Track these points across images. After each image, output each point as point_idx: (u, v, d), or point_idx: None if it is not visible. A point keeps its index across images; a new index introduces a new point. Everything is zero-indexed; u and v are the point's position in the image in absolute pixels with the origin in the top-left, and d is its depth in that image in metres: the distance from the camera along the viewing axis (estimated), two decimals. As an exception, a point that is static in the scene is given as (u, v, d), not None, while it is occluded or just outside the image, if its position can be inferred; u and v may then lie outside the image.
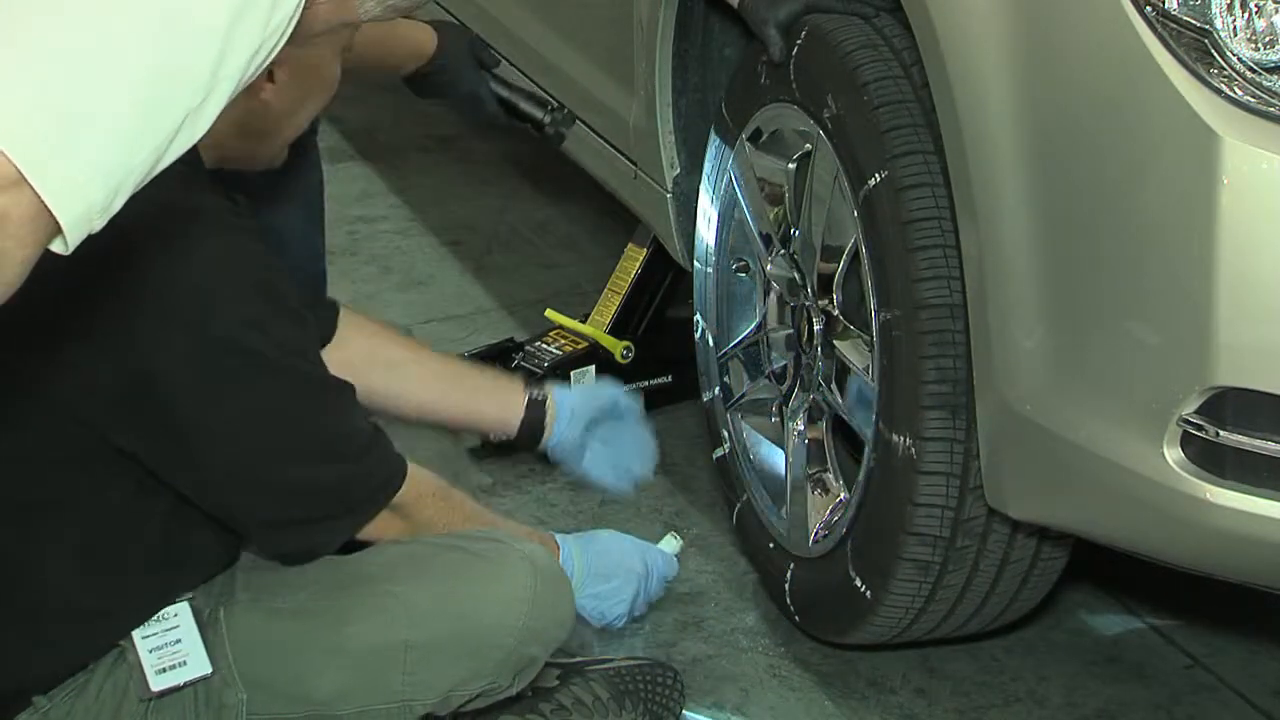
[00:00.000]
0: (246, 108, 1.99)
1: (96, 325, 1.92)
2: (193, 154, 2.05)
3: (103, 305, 1.91)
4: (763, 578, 2.69)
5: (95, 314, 1.92)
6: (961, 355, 2.19)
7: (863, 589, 2.37)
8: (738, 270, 2.75)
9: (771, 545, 2.63)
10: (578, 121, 3.01)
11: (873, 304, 2.29)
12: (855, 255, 2.35)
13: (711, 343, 2.78)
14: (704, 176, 2.75)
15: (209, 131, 2.05)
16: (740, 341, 2.74)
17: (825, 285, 2.47)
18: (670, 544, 2.61)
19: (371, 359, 2.43)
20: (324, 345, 2.32)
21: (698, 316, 2.81)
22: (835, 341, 2.47)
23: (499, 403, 2.58)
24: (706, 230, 2.77)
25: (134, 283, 1.91)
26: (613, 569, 2.47)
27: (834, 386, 2.49)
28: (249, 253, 2.01)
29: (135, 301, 1.91)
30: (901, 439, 2.25)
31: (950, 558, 2.30)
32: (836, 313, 2.45)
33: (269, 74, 2.03)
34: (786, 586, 2.57)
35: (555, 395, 2.61)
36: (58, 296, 1.82)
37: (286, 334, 2.02)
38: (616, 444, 2.67)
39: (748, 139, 2.60)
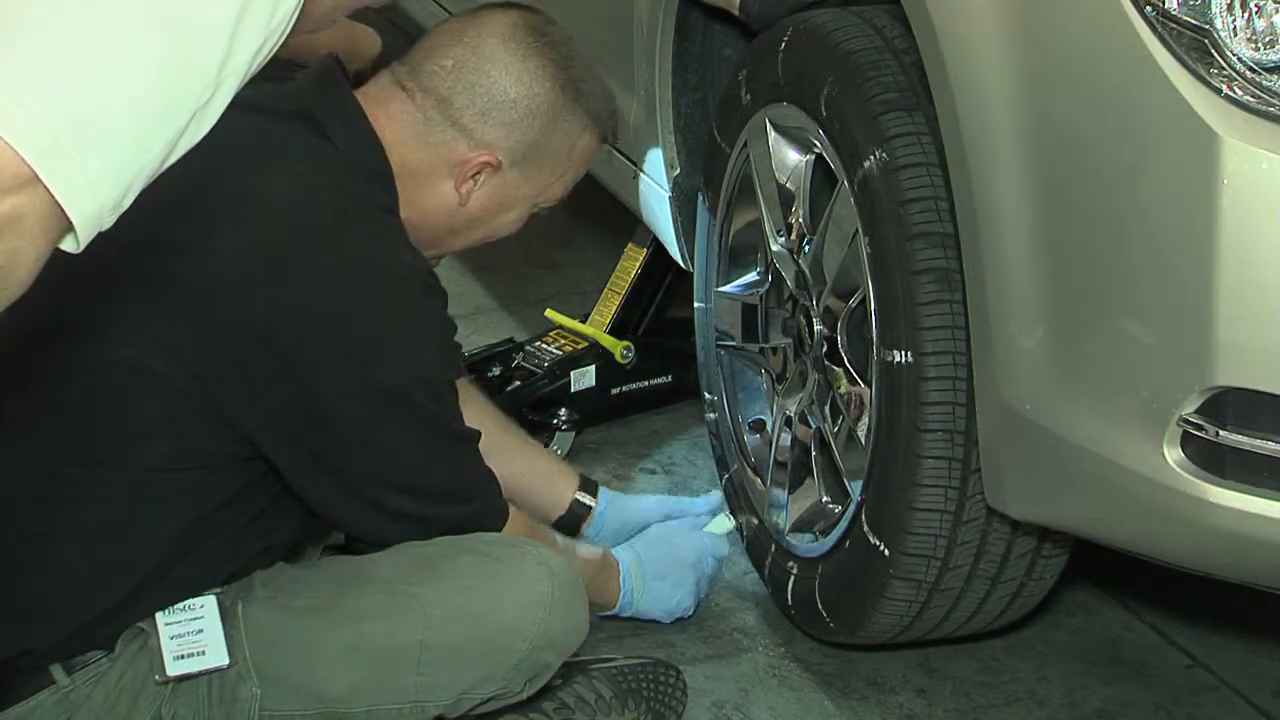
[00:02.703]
0: (449, 195, 2.20)
1: (285, 350, 2.03)
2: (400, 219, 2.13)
3: (299, 335, 2.03)
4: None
5: (285, 341, 2.03)
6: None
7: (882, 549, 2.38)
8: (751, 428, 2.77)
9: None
10: None
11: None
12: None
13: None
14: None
15: (415, 206, 2.18)
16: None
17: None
18: (721, 524, 2.68)
19: None
20: None
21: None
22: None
23: (544, 497, 2.67)
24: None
25: (327, 317, 2.04)
26: (666, 567, 2.56)
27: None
28: (440, 318, 2.18)
29: (326, 337, 2.04)
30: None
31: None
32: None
33: (476, 173, 2.21)
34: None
35: (599, 502, 2.69)
36: (247, 321, 2.00)
37: (442, 391, 2.15)
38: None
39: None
